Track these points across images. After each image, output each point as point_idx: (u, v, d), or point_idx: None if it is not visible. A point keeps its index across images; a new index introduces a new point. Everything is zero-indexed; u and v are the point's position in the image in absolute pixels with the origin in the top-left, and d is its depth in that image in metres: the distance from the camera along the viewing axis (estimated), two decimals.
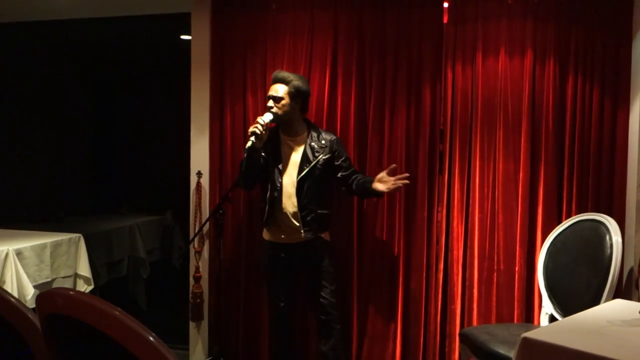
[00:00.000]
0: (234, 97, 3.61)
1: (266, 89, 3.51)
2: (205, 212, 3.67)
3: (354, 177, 3.16)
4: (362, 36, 3.38)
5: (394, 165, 3.07)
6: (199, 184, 3.68)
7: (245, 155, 3.02)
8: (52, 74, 5.95)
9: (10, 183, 5.37)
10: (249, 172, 3.08)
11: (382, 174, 3.04)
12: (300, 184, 3.06)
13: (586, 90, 3.09)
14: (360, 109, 3.40)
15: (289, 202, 3.08)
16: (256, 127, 2.95)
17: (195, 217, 3.68)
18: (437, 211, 3.33)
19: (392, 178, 3.01)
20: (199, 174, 3.68)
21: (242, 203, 3.61)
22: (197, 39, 3.68)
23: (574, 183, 3.10)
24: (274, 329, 3.34)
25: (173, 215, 5.76)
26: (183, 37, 4.68)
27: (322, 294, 3.13)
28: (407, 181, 3.03)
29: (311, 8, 3.43)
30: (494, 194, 3.22)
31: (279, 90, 3.07)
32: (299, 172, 3.07)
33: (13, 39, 5.29)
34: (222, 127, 3.65)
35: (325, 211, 3.16)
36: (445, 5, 3.28)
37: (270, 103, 3.07)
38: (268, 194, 3.09)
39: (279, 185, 3.08)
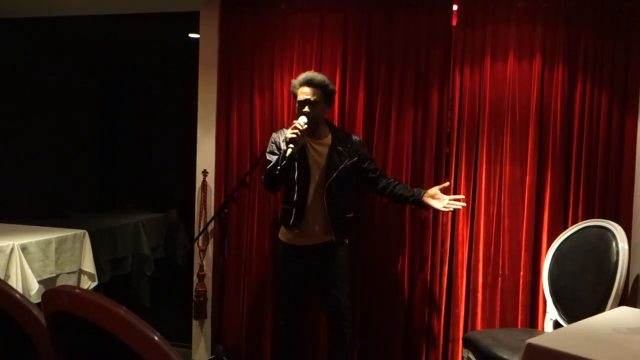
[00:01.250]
0: (241, 96, 3.61)
1: (274, 90, 3.52)
2: (210, 211, 3.68)
3: (387, 181, 3.16)
4: (371, 38, 3.37)
5: (447, 183, 3.13)
6: (204, 183, 3.69)
7: (279, 161, 2.91)
8: (58, 70, 5.96)
9: (15, 178, 5.39)
10: (281, 178, 2.98)
11: (436, 190, 3.07)
12: (329, 189, 3.02)
13: (595, 96, 3.07)
14: (368, 110, 3.40)
15: (315, 206, 3.04)
16: (295, 134, 2.85)
17: (200, 215, 3.69)
18: (443, 214, 3.32)
19: (447, 197, 3.05)
20: (205, 172, 3.68)
21: (247, 203, 3.61)
22: (205, 37, 3.69)
23: (581, 189, 3.09)
24: (283, 333, 3.29)
25: (178, 213, 5.77)
26: (191, 35, 4.69)
27: (339, 297, 3.10)
28: (464, 204, 3.10)
29: (320, 9, 3.43)
30: (500, 198, 3.21)
31: (314, 94, 3.00)
32: (327, 177, 3.03)
33: (20, 35, 5.31)
34: (229, 127, 3.65)
35: (351, 214, 3.16)
36: (455, 8, 3.28)
37: (307, 108, 2.98)
38: (296, 197, 3.02)
39: (307, 188, 3.03)
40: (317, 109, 3.01)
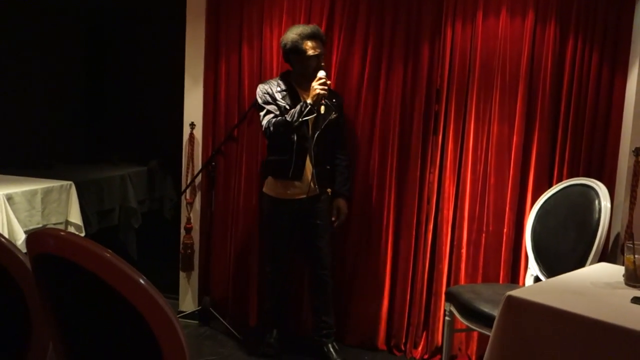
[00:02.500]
0: (230, 47, 3.56)
1: (262, 41, 3.47)
2: (198, 164, 3.67)
3: (339, 159, 3.24)
4: None
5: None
6: (191, 136, 3.66)
7: (301, 114, 2.95)
8: (43, 19, 5.81)
9: None
10: (297, 129, 3.02)
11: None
12: (317, 139, 3.07)
13: (585, 54, 3.05)
14: (357, 64, 3.36)
15: (309, 157, 3.10)
16: (324, 89, 2.92)
17: (188, 168, 3.68)
18: (430, 172, 3.33)
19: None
20: (192, 125, 3.66)
21: (234, 156, 3.60)
22: None
23: (567, 147, 3.10)
24: (270, 285, 3.35)
25: (159, 163, 5.72)
26: None
27: (321, 247, 3.18)
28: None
29: None
30: (487, 156, 3.22)
31: (321, 47, 3.06)
32: (315, 128, 3.07)
33: None
34: (217, 78, 3.61)
35: (329, 167, 3.22)
36: None
37: (322, 62, 3.05)
38: (296, 145, 3.05)
39: (307, 137, 3.07)
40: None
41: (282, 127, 3.01)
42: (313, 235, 3.20)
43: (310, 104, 2.94)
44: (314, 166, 3.09)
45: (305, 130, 3.07)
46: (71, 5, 6.09)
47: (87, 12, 6.35)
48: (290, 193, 3.13)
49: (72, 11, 6.20)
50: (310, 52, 3.01)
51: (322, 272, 3.22)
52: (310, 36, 3.01)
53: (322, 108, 2.94)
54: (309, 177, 3.10)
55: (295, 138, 3.05)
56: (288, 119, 2.99)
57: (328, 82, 2.97)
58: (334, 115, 3.11)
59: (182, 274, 3.79)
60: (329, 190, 3.24)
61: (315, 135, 3.08)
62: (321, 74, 2.96)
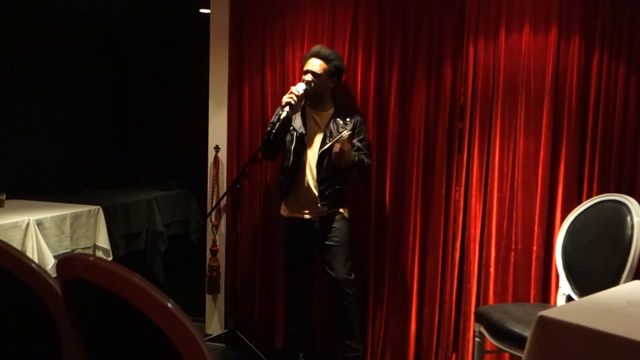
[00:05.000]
0: (253, 71, 3.60)
1: (285, 64, 3.50)
2: (223, 187, 3.69)
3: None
4: (383, 10, 3.33)
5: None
6: (216, 158, 3.69)
7: (274, 125, 3.03)
8: (70, 46, 5.96)
9: (29, 155, 5.42)
10: (275, 143, 3.09)
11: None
12: (321, 158, 3.08)
13: (612, 68, 3.01)
14: (380, 85, 3.36)
15: (311, 176, 3.10)
16: (291, 98, 2.98)
17: (213, 191, 3.71)
18: (455, 190, 3.30)
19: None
20: (217, 148, 3.69)
21: (259, 178, 3.62)
22: (216, 12, 3.67)
23: (596, 163, 3.04)
24: (291, 307, 3.34)
25: (176, 181, 5.77)
26: (202, 10, 4.65)
27: (337, 270, 3.13)
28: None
29: None
30: (514, 173, 3.17)
31: (319, 67, 3.09)
32: (321, 146, 3.09)
33: (33, 9, 5.31)
34: (241, 102, 3.64)
35: (342, 186, 3.17)
36: None
37: (309, 77, 3.08)
38: (290, 164, 3.10)
39: (301, 156, 3.10)
40: (320, 80, 3.09)
41: (264, 140, 3.15)
42: (328, 257, 3.16)
43: (279, 112, 3.04)
44: (318, 185, 3.08)
45: (301, 150, 3.10)
46: (95, 32, 6.25)
47: (111, 38, 6.50)
48: (297, 212, 3.16)
49: (97, 37, 6.36)
50: (305, 67, 3.12)
51: (341, 297, 3.15)
52: (312, 54, 3.13)
53: (283, 114, 2.98)
54: (313, 196, 3.10)
55: (292, 157, 3.09)
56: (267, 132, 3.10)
57: (297, 92, 3.00)
58: (345, 135, 3.09)
59: (208, 297, 3.79)
60: (342, 210, 3.20)
61: (318, 154, 3.09)
62: (298, 86, 3.04)
